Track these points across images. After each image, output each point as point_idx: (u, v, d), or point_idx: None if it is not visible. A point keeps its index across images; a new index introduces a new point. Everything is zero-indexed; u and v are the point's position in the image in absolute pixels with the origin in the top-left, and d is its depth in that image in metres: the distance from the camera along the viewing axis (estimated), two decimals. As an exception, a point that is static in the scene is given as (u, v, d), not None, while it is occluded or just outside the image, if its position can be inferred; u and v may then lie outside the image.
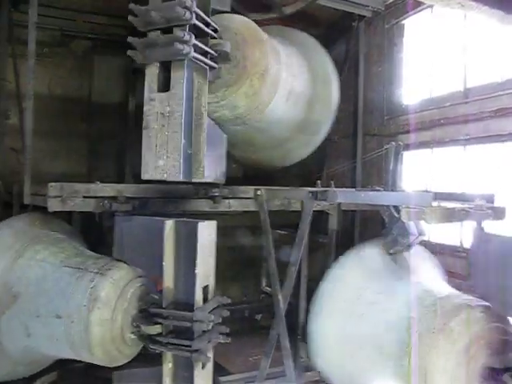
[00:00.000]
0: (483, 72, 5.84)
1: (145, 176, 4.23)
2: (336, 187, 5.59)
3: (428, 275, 4.84)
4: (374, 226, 7.03)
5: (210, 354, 4.23)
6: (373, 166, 7.35)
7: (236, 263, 8.44)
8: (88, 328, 3.72)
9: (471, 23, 5.91)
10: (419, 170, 6.82)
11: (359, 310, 4.67)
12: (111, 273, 3.93)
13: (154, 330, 3.82)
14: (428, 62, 6.78)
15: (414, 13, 6.90)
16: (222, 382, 5.68)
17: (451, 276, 6.08)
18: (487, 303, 3.79)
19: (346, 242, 7.20)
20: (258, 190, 5.36)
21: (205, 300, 4.07)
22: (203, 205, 5.24)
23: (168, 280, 3.98)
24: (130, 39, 4.19)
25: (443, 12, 6.23)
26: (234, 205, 5.43)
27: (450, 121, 6.16)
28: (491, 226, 4.41)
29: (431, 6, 6.38)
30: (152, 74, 4.22)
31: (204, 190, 5.20)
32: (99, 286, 3.83)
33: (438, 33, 6.57)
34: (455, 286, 5.86)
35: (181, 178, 4.17)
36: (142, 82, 4.26)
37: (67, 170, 7.04)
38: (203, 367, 4.10)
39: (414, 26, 7.14)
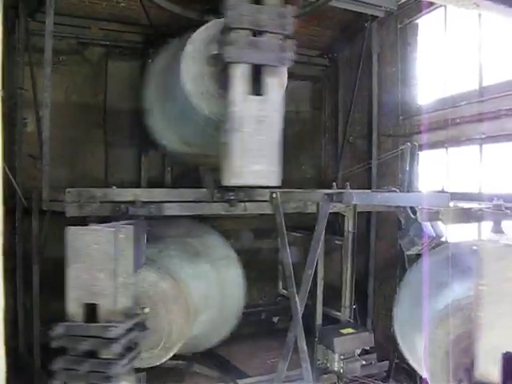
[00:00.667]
0: (499, 70, 5.76)
1: (235, 181, 4.20)
2: (351, 189, 5.56)
3: None
4: (390, 228, 6.99)
5: None
6: (388, 167, 7.30)
7: (253, 266, 8.45)
8: None
9: (486, 21, 5.84)
10: (435, 170, 6.76)
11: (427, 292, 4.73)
12: None
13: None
14: (442, 61, 6.71)
15: (428, 12, 6.84)
16: (239, 385, 5.70)
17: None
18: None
19: (362, 243, 7.18)
20: (274, 192, 5.35)
21: (90, 320, 3.58)
22: (219, 208, 5.25)
23: None
24: (232, 35, 4.12)
25: (457, 10, 6.17)
26: (249, 208, 5.44)
27: (466, 120, 6.09)
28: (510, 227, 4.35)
29: (445, 5, 6.32)
30: (242, 75, 4.16)
31: (219, 193, 5.22)
32: None
33: (453, 31, 6.50)
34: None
35: (276, 184, 4.28)
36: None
37: (84, 175, 7.14)
38: None
39: (427, 25, 7.08)
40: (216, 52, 4.49)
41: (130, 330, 3.72)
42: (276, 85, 4.20)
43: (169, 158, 7.55)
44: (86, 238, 3.61)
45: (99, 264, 3.59)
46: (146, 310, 4.16)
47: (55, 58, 5.23)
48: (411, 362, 5.05)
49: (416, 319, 4.71)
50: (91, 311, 3.62)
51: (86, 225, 3.89)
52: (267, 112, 4.17)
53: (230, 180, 4.17)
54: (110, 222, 4.88)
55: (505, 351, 2.94)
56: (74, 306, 3.60)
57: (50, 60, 5.02)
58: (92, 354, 3.56)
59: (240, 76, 4.15)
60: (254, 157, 4.12)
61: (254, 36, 4.25)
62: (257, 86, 4.26)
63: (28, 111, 6.45)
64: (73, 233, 3.62)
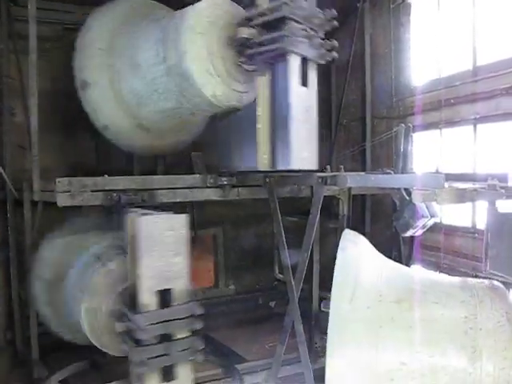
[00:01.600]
0: (493, 49, 5.70)
1: (290, 166, 4.46)
2: (346, 171, 5.53)
3: None
4: (385, 210, 6.99)
5: (183, 372, 3.89)
6: (382, 149, 7.27)
7: (248, 251, 8.46)
8: None
9: (479, -1, 5.77)
10: (429, 152, 6.73)
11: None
12: None
13: (119, 327, 3.80)
14: (436, 41, 6.64)
15: (420, -9, 6.76)
16: (238, 370, 5.71)
17: (464, 257, 6.04)
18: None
19: (357, 226, 7.16)
20: (267, 177, 5.32)
21: (166, 306, 3.75)
22: (212, 194, 5.22)
23: (130, 279, 3.91)
24: (291, 26, 4.26)
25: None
26: (243, 193, 5.40)
27: (460, 100, 6.06)
28: (505, 206, 4.34)
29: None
30: (295, 66, 4.43)
31: (212, 179, 5.18)
32: None
33: (446, 10, 6.42)
34: (469, 267, 5.84)
35: (315, 168, 4.72)
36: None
37: (76, 164, 7.05)
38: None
39: (420, 5, 6.98)
40: (245, 36, 4.56)
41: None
42: (315, 78, 4.67)
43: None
44: (161, 226, 3.74)
45: (174, 249, 3.77)
46: None
47: (41, 44, 5.09)
48: None
49: None
50: (163, 297, 3.76)
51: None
52: (311, 102, 4.62)
53: (287, 166, 4.46)
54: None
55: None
56: (147, 296, 3.67)
57: (35, 47, 4.89)
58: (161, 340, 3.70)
59: (292, 67, 4.42)
60: (304, 144, 4.51)
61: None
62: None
63: (16, 100, 6.35)
64: (144, 222, 3.68)
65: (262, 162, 4.69)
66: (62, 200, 4.44)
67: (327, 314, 5.89)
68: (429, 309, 3.98)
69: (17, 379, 5.58)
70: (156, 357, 3.69)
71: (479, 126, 5.88)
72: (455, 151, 6.34)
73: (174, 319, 3.72)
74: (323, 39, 4.67)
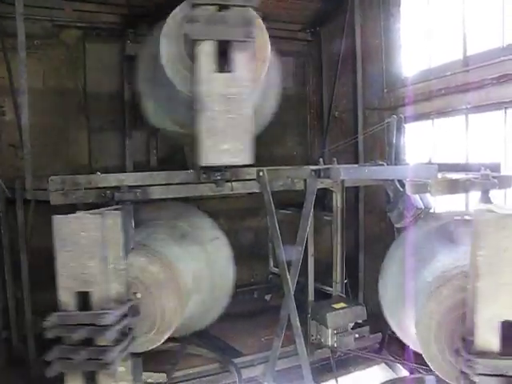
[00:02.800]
0: (484, 38, 5.72)
1: (205, 161, 4.14)
2: (339, 164, 5.54)
3: None
4: (378, 201, 7.01)
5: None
6: (375, 141, 7.28)
7: (243, 245, 8.46)
8: None
9: (469, -12, 5.77)
10: (422, 142, 6.76)
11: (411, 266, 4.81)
12: None
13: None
14: (426, 31, 6.64)
15: (410, -19, 6.75)
16: (235, 364, 5.74)
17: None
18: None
19: (352, 218, 7.20)
20: (261, 170, 5.31)
21: (83, 308, 3.58)
22: (206, 189, 5.20)
23: None
24: (195, 12, 3.95)
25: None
26: (236, 187, 5.39)
27: (451, 90, 6.06)
28: (497, 196, 4.38)
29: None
30: (207, 52, 4.04)
31: (205, 174, 5.17)
32: None
33: (436, 0, 6.42)
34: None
35: (249, 162, 4.21)
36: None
37: (68, 162, 7.01)
38: None
39: (410, -5, 6.98)
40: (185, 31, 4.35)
41: (123, 315, 3.71)
42: (244, 60, 4.07)
43: (166, 141, 7.27)
44: (73, 226, 3.56)
45: (88, 251, 3.56)
46: (139, 295, 4.15)
47: (30, 42, 5.05)
48: (399, 335, 5.13)
49: (402, 292, 4.78)
50: (83, 299, 3.60)
51: (73, 212, 3.84)
52: (236, 89, 4.07)
53: (204, 161, 4.11)
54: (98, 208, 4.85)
55: (503, 320, 3.02)
56: (65, 295, 3.56)
57: (24, 44, 4.83)
58: (87, 342, 3.54)
59: (205, 53, 4.05)
60: (223, 136, 4.06)
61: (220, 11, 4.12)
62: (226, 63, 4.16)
63: (5, 99, 6.29)
64: (59, 221, 3.57)
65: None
66: (55, 198, 4.42)
67: (322, 305, 5.98)
68: None
69: (13, 378, 5.56)
70: (69, 359, 3.53)
71: (471, 116, 5.90)
72: (447, 141, 6.37)
73: (86, 324, 3.50)
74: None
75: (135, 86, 6.28)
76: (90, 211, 3.87)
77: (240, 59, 4.06)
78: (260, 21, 4.85)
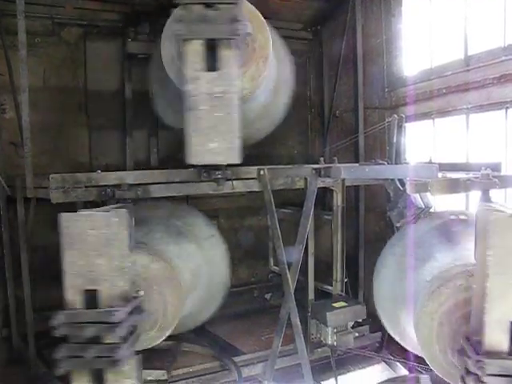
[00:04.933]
0: (485, 38, 5.71)
1: (193, 160, 4.09)
2: (339, 163, 5.54)
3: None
4: (379, 201, 7.01)
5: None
6: (375, 140, 7.28)
7: (243, 244, 8.47)
8: None
9: (470, -12, 5.76)
10: (422, 142, 6.75)
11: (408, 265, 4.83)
12: None
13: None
14: (428, 31, 6.63)
15: (411, -20, 6.74)
16: (235, 363, 5.74)
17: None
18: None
19: (352, 217, 7.20)
20: (261, 169, 5.31)
21: (90, 306, 3.55)
22: (206, 187, 5.20)
23: None
24: (181, 12, 3.92)
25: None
26: (237, 186, 5.38)
27: (452, 90, 6.06)
28: (498, 195, 4.38)
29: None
30: (195, 51, 4.01)
31: (206, 172, 5.16)
32: None
33: (438, 0, 6.41)
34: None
35: (237, 161, 4.13)
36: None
37: (68, 160, 7.01)
38: None
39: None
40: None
41: (130, 313, 3.69)
42: (232, 58, 4.01)
43: (167, 140, 7.22)
44: (81, 224, 3.54)
45: (96, 249, 3.54)
46: (141, 293, 4.15)
47: (30, 40, 5.03)
48: (393, 334, 5.13)
49: (399, 292, 4.78)
50: (90, 297, 3.56)
51: (73, 210, 3.83)
52: (223, 87, 4.03)
53: (191, 160, 4.08)
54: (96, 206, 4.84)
55: None
56: (72, 293, 3.54)
57: (25, 42, 4.81)
58: (94, 341, 3.51)
59: (192, 53, 4.02)
60: (210, 135, 4.02)
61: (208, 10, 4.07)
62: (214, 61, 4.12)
63: (6, 97, 6.28)
64: (67, 219, 3.53)
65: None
66: (56, 196, 4.41)
67: (322, 304, 5.99)
68: None
69: (14, 376, 5.57)
70: (77, 357, 3.48)
71: (471, 116, 5.90)
72: (448, 141, 6.36)
73: (95, 322, 3.49)
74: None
75: (149, 87, 6.29)
76: (96, 209, 3.87)
77: (227, 57, 4.01)
78: (262, 19, 4.84)
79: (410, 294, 4.51)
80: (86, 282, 3.55)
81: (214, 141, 4.01)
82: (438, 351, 3.75)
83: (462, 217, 4.98)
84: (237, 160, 4.11)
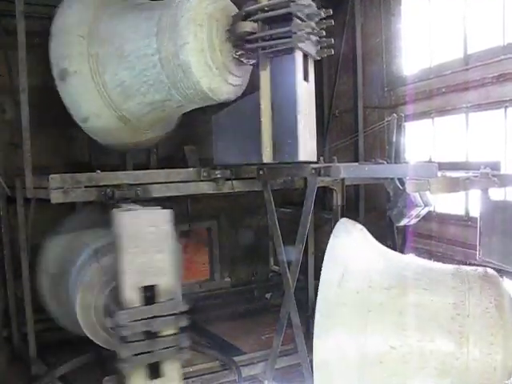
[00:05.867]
0: (484, 37, 5.71)
1: (298, 158, 4.59)
2: (339, 162, 5.53)
3: None
4: (378, 200, 7.01)
5: (169, 371, 3.84)
6: (375, 139, 7.28)
7: (243, 244, 8.47)
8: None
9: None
10: (422, 141, 6.75)
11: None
12: None
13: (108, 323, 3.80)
14: (427, 30, 6.63)
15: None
16: (235, 362, 5.74)
17: (457, 245, 6.09)
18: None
19: (351, 216, 7.18)
20: (261, 169, 5.31)
21: (150, 302, 3.70)
22: (206, 187, 5.21)
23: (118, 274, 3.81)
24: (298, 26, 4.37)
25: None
26: (237, 186, 5.39)
27: (451, 89, 6.07)
28: (498, 194, 4.38)
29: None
30: (299, 62, 4.57)
31: (206, 172, 5.17)
32: None
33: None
34: (463, 255, 5.88)
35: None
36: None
37: (68, 160, 7.00)
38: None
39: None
40: (247, 30, 4.60)
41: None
42: (313, 71, 4.83)
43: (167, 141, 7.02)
44: (142, 222, 3.64)
45: (156, 245, 3.67)
46: None
47: (30, 40, 5.02)
48: None
49: None
50: (148, 294, 3.69)
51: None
52: (311, 96, 4.76)
53: (292, 158, 4.55)
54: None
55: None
56: (131, 292, 3.60)
57: (24, 42, 4.83)
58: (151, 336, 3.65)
59: (299, 63, 4.55)
60: (308, 136, 4.63)
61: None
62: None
63: (5, 97, 6.28)
64: (126, 218, 3.61)
65: (266, 154, 4.71)
66: (56, 197, 4.40)
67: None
68: (419, 295, 4.05)
69: (15, 376, 5.57)
70: (141, 354, 3.62)
71: (471, 115, 5.90)
72: (447, 140, 6.37)
73: (157, 316, 3.66)
74: (321, 37, 4.84)
75: None
76: (138, 207, 3.98)
77: (312, 70, 4.94)
78: None
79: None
80: (146, 278, 3.64)
81: (310, 142, 4.85)
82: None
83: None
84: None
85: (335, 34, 7.76)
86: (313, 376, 5.22)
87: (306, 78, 4.72)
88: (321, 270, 5.48)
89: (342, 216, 6.26)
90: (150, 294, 3.67)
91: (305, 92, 4.65)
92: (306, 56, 4.70)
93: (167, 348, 3.69)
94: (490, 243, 4.10)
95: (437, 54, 6.49)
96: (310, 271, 6.02)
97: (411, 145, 6.69)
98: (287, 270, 5.28)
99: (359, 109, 7.54)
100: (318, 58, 4.95)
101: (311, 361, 5.37)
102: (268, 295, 8.22)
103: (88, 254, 4.56)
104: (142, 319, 3.58)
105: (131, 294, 3.60)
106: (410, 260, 5.17)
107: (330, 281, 4.23)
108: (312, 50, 4.76)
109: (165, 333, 3.69)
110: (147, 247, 3.64)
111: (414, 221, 5.36)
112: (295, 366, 5.63)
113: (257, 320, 7.29)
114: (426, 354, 3.86)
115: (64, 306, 4.95)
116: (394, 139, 5.54)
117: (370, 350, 3.97)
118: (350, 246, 4.49)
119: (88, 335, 4.21)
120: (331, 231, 6.34)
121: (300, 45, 4.47)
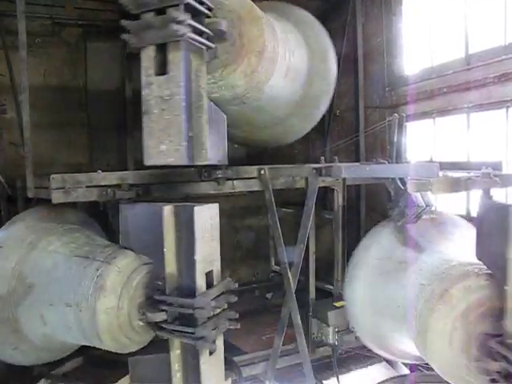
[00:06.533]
0: (485, 37, 5.70)
1: (148, 162, 4.14)
2: (340, 162, 5.53)
3: (456, 243, 4.80)
4: (379, 199, 7.01)
5: (219, 341, 4.21)
6: (376, 139, 7.28)
7: (244, 244, 8.47)
8: (95, 316, 3.78)
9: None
10: (423, 141, 6.75)
11: (388, 269, 4.85)
12: (116, 261, 3.96)
13: (159, 316, 3.81)
14: (428, 30, 6.63)
15: (412, -21, 6.73)
16: (236, 362, 5.74)
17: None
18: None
19: (353, 216, 7.19)
20: (262, 169, 5.31)
21: (209, 286, 3.98)
22: (207, 187, 5.20)
23: (170, 266, 3.92)
24: (123, 22, 4.08)
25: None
26: (238, 186, 5.39)
27: (453, 89, 6.06)
28: (499, 195, 4.36)
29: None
30: (148, 57, 4.06)
31: (207, 172, 5.16)
32: (104, 274, 3.88)
33: (437, -1, 6.41)
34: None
35: (185, 162, 4.13)
36: (138, 67, 4.15)
37: (69, 160, 7.01)
38: (211, 354, 4.08)
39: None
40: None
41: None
42: (177, 60, 4.00)
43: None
44: (206, 214, 4.04)
45: (212, 234, 4.10)
46: None
47: (31, 40, 5.03)
48: (369, 343, 5.17)
49: (380, 298, 4.74)
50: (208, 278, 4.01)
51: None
52: (171, 90, 4.05)
53: (146, 162, 4.10)
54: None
55: None
56: (200, 279, 3.89)
57: (25, 42, 4.81)
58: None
59: (144, 58, 4.07)
60: (161, 137, 4.07)
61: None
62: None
63: (6, 97, 6.28)
64: (198, 211, 3.93)
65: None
66: (57, 197, 4.40)
67: (323, 303, 5.99)
68: None
69: (16, 376, 5.57)
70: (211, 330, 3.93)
71: (472, 115, 5.89)
72: (449, 140, 6.36)
73: (219, 295, 4.02)
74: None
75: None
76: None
77: (173, 59, 3.99)
78: (256, 13, 4.79)
79: (395, 300, 4.48)
80: (208, 264, 4.01)
81: (164, 143, 4.06)
82: (451, 357, 3.63)
83: (433, 216, 5.03)
84: (185, 161, 4.17)
85: (336, 33, 7.79)
86: (313, 376, 5.25)
87: (161, 71, 4.07)
88: (321, 270, 5.51)
89: (343, 216, 6.28)
90: (208, 278, 4.02)
91: (157, 88, 4.07)
92: (162, 45, 4.04)
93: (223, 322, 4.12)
94: (484, 244, 4.06)
95: (438, 53, 6.48)
96: (311, 271, 6.02)
97: (412, 145, 6.68)
98: (288, 270, 5.28)
99: (360, 109, 7.54)
100: (181, 39, 4.03)
101: (312, 361, 5.39)
102: (269, 295, 8.22)
103: (74, 259, 4.43)
104: (213, 299, 3.89)
105: (200, 281, 3.88)
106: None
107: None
108: (160, 35, 3.99)
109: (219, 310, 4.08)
110: (208, 237, 4.02)
111: (414, 221, 5.34)
112: (296, 366, 5.63)
113: (257, 320, 7.28)
114: None
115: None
116: (395, 139, 5.53)
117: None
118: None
119: (105, 341, 4.05)
120: (332, 231, 6.36)
121: (135, 41, 4.01)
